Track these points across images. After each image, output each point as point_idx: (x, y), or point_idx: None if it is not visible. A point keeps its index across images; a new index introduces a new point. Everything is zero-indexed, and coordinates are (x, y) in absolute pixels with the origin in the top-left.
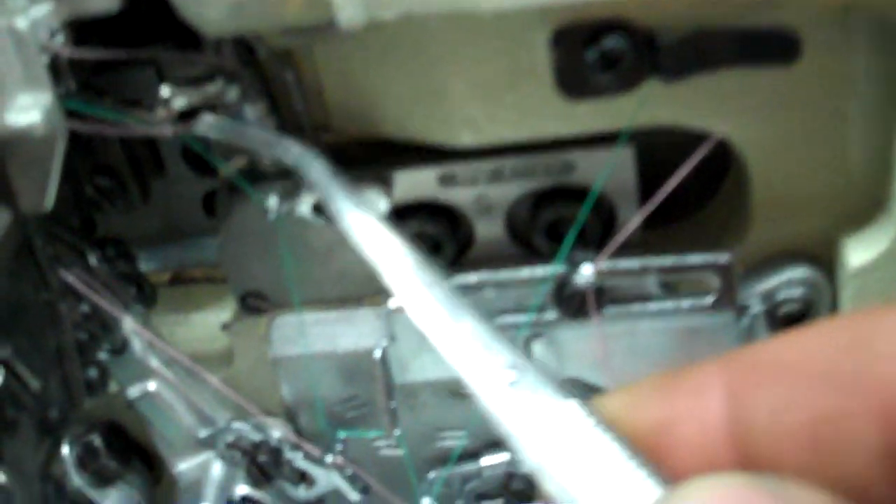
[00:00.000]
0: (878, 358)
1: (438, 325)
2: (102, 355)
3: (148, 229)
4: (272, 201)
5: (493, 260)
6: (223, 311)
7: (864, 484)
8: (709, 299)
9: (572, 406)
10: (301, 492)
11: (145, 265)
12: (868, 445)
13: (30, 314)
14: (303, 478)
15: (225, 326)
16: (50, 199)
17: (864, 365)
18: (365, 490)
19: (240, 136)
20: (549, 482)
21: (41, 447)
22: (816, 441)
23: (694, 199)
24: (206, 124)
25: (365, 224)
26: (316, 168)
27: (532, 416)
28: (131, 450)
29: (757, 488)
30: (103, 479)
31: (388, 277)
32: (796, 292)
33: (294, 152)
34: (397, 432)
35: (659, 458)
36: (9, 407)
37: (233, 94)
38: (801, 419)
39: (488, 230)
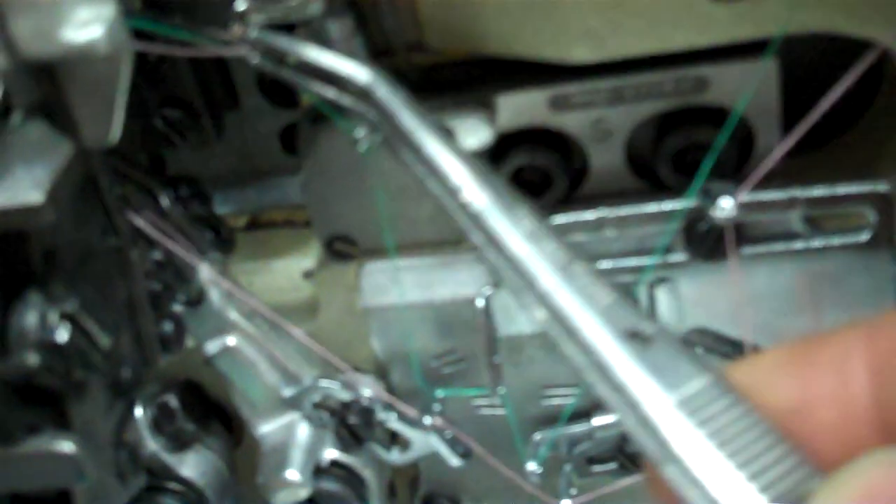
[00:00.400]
0: None
1: (547, 279)
2: (177, 307)
3: (221, 168)
4: (362, 131)
5: (611, 195)
6: (305, 258)
7: None
8: (864, 236)
9: (709, 380)
10: (395, 455)
11: (219, 208)
12: None
13: (97, 262)
14: (395, 440)
15: (307, 274)
16: (116, 131)
17: None
18: (466, 454)
19: (293, 52)
20: (677, 467)
21: (113, 411)
22: None
23: (840, 120)
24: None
25: (447, 160)
26: (388, 94)
27: (661, 389)
28: (209, 410)
29: None
30: (180, 443)
31: (481, 225)
32: None
33: (362, 76)
34: (502, 390)
35: (796, 442)
36: (77, 368)
37: (315, 8)
38: None
39: (605, 160)
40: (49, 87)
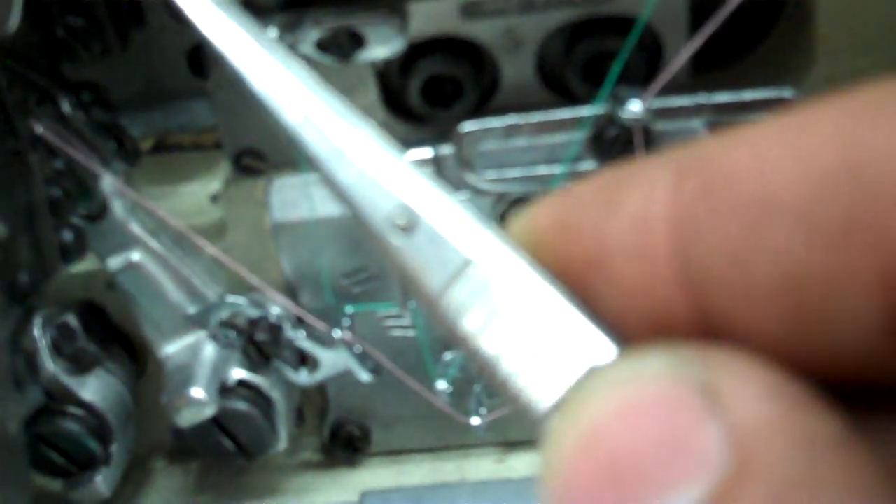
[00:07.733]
0: (878, 190)
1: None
2: (78, 220)
3: (127, 89)
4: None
5: (522, 107)
6: (213, 181)
7: (859, 365)
8: None
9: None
10: (303, 376)
11: None
12: (867, 314)
13: None
14: (304, 361)
15: (214, 198)
16: (14, 21)
17: (860, 204)
18: (375, 371)
19: None
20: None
21: (9, 316)
22: (797, 305)
23: (748, 36)
24: None
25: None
26: None
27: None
28: (112, 334)
29: (684, 384)
30: (81, 366)
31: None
32: None
33: None
34: (412, 305)
35: (593, 280)
36: None
37: None
38: (775, 274)
39: (516, 70)
40: None
